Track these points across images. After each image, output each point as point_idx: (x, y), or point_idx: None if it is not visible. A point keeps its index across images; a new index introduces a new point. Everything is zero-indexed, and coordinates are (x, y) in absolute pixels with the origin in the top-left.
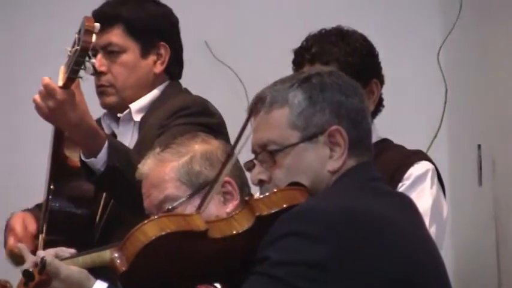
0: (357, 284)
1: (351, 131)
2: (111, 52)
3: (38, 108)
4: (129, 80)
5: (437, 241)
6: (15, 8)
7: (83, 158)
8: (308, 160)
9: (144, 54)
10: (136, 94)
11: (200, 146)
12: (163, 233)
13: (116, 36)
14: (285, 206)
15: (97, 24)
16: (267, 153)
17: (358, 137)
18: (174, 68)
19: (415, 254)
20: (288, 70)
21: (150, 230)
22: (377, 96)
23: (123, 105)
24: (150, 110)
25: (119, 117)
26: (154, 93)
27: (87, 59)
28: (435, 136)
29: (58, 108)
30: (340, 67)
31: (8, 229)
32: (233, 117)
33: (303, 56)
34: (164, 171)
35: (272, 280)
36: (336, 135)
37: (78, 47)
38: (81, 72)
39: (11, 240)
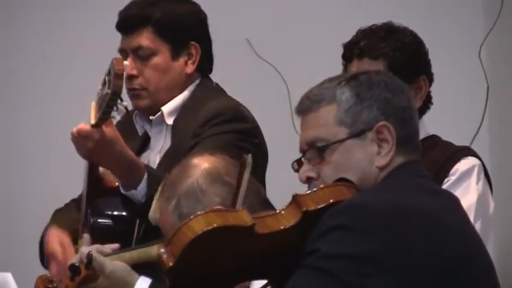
0: (403, 280)
1: (399, 129)
2: (142, 55)
3: (77, 149)
4: (161, 82)
5: (482, 237)
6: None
7: (122, 191)
8: (356, 156)
9: (175, 55)
10: (169, 96)
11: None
12: (210, 228)
13: (146, 39)
14: (331, 201)
15: (126, 63)
16: (315, 150)
17: (405, 135)
18: (205, 65)
19: (462, 251)
20: (330, 67)
21: (196, 224)
22: (425, 92)
23: (156, 107)
24: (182, 112)
25: (151, 119)
26: (185, 94)
27: (118, 101)
28: (476, 133)
29: (97, 148)
30: (388, 62)
31: (47, 251)
32: (275, 115)
33: (351, 50)
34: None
35: (319, 272)
36: (384, 131)
37: (109, 91)
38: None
39: (54, 269)
